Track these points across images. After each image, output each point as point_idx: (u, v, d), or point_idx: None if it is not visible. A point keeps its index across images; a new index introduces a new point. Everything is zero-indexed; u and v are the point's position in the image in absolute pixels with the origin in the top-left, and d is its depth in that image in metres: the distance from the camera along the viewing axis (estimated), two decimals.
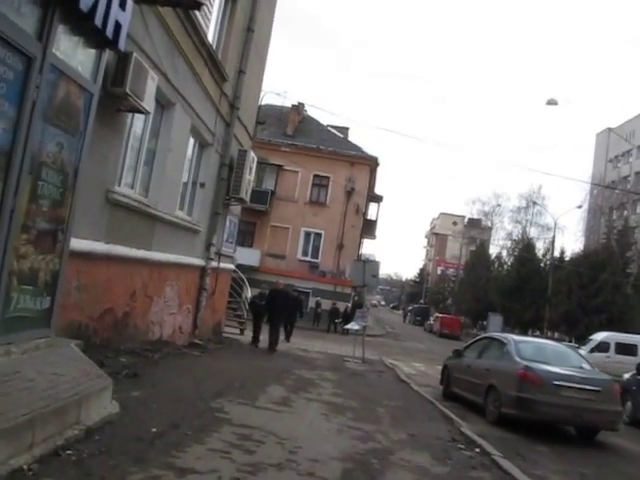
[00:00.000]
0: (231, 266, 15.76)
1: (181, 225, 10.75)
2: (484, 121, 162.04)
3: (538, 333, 46.37)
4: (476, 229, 73.25)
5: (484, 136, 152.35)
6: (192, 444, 4.26)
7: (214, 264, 13.22)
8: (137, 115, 8.01)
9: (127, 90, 6.45)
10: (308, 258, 34.30)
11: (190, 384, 6.80)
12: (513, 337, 9.73)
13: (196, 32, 9.63)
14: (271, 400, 6.87)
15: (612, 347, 25.01)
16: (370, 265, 14.66)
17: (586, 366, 8.96)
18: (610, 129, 69.58)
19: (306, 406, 7.00)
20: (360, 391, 9.20)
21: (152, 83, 7.27)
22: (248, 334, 17.57)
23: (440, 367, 17.84)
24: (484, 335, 11.07)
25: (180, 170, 10.35)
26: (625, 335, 25.79)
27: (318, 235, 34.38)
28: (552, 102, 17.67)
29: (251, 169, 14.08)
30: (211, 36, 11.23)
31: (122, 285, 8.30)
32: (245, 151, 13.70)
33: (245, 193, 13.74)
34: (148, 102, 7.17)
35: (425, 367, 17.66)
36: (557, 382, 8.11)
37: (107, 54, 5.46)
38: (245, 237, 34.39)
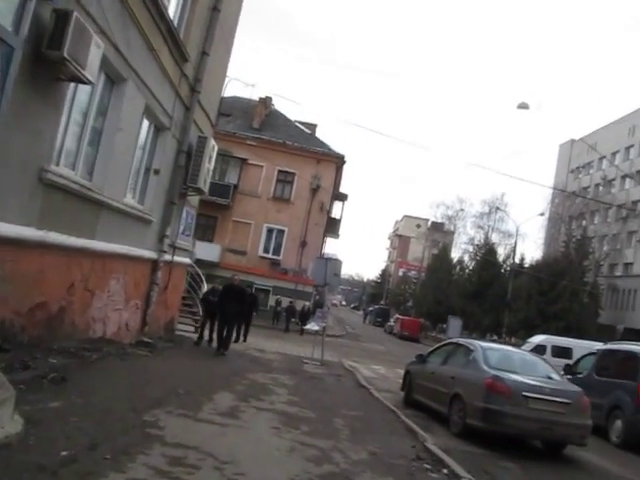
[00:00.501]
0: (187, 260, 14.93)
1: (131, 213, 9.91)
2: (454, 121, 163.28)
3: (496, 338, 46.77)
4: (439, 232, 73.95)
5: (452, 137, 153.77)
6: (108, 473, 3.49)
7: (167, 257, 12.39)
8: (81, 88, 7.21)
9: (65, 54, 5.64)
10: (270, 255, 33.54)
11: (125, 391, 6.02)
12: (480, 344, 9.20)
13: (154, 3, 8.83)
14: (217, 410, 6.13)
15: (548, 350, 25.88)
16: (332, 264, 14.05)
17: (555, 376, 8.47)
18: (573, 140, 71.11)
19: (256, 417, 6.30)
20: (317, 398, 8.56)
21: (97, 51, 6.46)
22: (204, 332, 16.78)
23: (401, 371, 17.52)
24: (449, 340, 10.57)
25: (131, 153, 9.51)
26: (561, 339, 26.82)
27: (281, 232, 33.64)
28: (523, 106, 17.43)
29: (211, 158, 13.29)
30: (172, 11, 10.42)
31: (58, 277, 7.45)
32: (205, 138, 12.90)
33: (204, 183, 12.95)
34: (91, 71, 6.36)
35: (385, 370, 17.19)
36: (526, 393, 7.59)
37: (35, 4, 4.66)
38: (205, 231, 33.44)
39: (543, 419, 7.51)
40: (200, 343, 13.63)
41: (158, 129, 11.03)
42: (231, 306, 12.44)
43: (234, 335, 14.44)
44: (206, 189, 13.45)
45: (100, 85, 8.11)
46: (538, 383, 7.93)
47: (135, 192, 10.51)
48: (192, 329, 16.63)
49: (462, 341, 9.87)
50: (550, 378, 8.32)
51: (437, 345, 10.70)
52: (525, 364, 8.60)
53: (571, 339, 27.98)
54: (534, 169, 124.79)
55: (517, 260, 44.84)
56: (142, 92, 9.25)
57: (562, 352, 25.13)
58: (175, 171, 12.09)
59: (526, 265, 45.04)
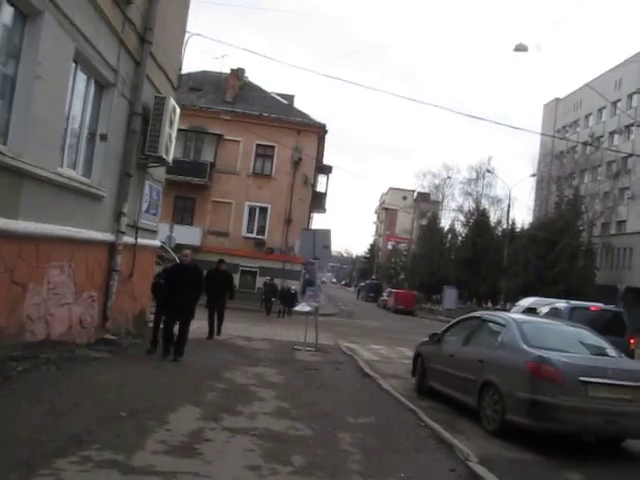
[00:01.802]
0: (155, 242, 13.17)
1: (72, 187, 8.11)
2: (442, 73, 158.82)
3: (490, 305, 45.65)
4: (426, 203, 72.54)
5: (440, 92, 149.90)
6: None
7: (128, 239, 10.62)
8: None
9: None
10: (254, 235, 31.75)
11: (35, 422, 4.30)
12: (512, 316, 7.48)
13: None
14: (167, 444, 4.28)
15: (541, 312, 24.63)
16: (321, 234, 12.33)
17: (612, 352, 6.78)
18: (558, 99, 69.63)
19: (226, 450, 4.42)
20: (314, 400, 6.77)
21: None
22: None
23: (404, 349, 16.02)
24: (470, 314, 8.90)
25: (61, 111, 7.67)
26: (553, 300, 25.62)
27: (264, 210, 31.80)
28: (521, 48, 15.72)
29: (172, 122, 11.44)
30: None
31: None
32: (163, 98, 11.03)
33: (165, 151, 11.13)
34: None
35: (386, 349, 15.64)
36: (584, 378, 5.90)
37: None
38: (184, 214, 31.63)
39: (608, 410, 5.84)
40: (154, 350, 9.59)
41: (101, 85, 9.17)
42: (182, 294, 9.30)
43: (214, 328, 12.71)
44: (169, 158, 11.63)
45: (7, 17, 6.28)
46: (596, 363, 6.30)
47: (77, 162, 8.68)
48: None
49: (487, 315, 8.11)
50: (607, 355, 6.68)
51: (453, 321, 8.99)
52: (572, 339, 6.86)
53: (561, 300, 26.98)
54: (518, 131, 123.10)
55: (510, 224, 43.60)
56: (69, 32, 7.38)
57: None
58: (129, 137, 10.26)
59: (518, 229, 43.78)
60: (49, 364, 6.36)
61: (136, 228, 11.26)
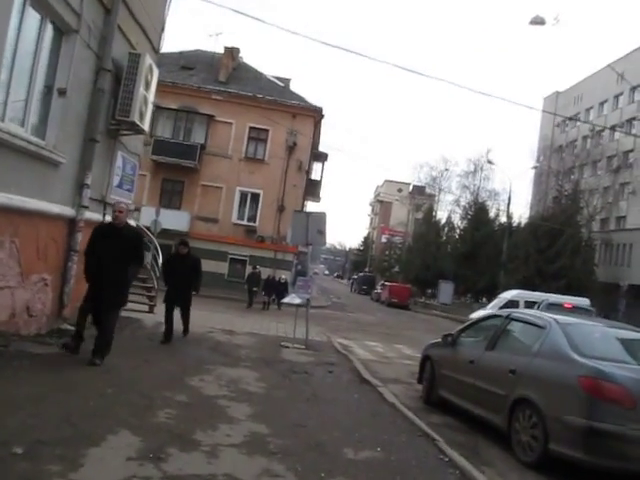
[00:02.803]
0: (130, 222, 11.72)
1: (15, 146, 6.70)
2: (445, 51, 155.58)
3: (486, 301, 44.46)
4: (421, 196, 71.34)
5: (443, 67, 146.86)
6: None
7: (93, 216, 9.21)
8: None
9: None
10: (244, 222, 30.28)
11: None
12: (553, 317, 5.91)
13: None
14: None
15: (521, 306, 24.13)
16: (315, 218, 10.91)
17: None
18: (558, 92, 68.46)
19: None
20: (301, 419, 5.28)
21: None
22: (160, 311, 13.72)
23: (401, 347, 14.73)
24: (496, 312, 7.55)
25: None
26: (535, 293, 24.99)
27: (255, 196, 30.32)
28: (538, 21, 14.38)
29: (149, 83, 10.01)
30: None
31: None
32: (138, 55, 9.59)
33: (139, 116, 9.70)
34: None
35: (383, 347, 14.34)
36: None
37: None
38: (172, 198, 30.18)
39: None
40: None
41: (60, 31, 7.73)
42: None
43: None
44: (145, 126, 10.20)
45: None
46: None
47: (26, 119, 7.26)
48: (146, 308, 13.57)
49: (518, 313, 6.60)
50: None
51: (473, 319, 7.57)
52: (631, 345, 5.52)
53: (545, 294, 26.32)
54: (517, 125, 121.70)
55: (507, 219, 42.41)
56: None
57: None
58: (95, 97, 8.83)
59: (515, 223, 42.57)
60: None
61: (104, 204, 9.86)
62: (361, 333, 17.96)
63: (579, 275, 33.58)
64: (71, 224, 8.58)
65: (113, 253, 6.58)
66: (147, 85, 9.95)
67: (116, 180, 10.56)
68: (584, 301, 25.37)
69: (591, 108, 59.91)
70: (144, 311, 13.30)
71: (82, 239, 8.76)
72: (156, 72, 10.48)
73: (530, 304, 24.13)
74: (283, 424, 4.92)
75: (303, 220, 10.88)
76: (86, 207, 8.77)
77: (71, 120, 8.24)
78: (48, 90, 7.76)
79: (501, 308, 24.29)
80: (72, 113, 8.23)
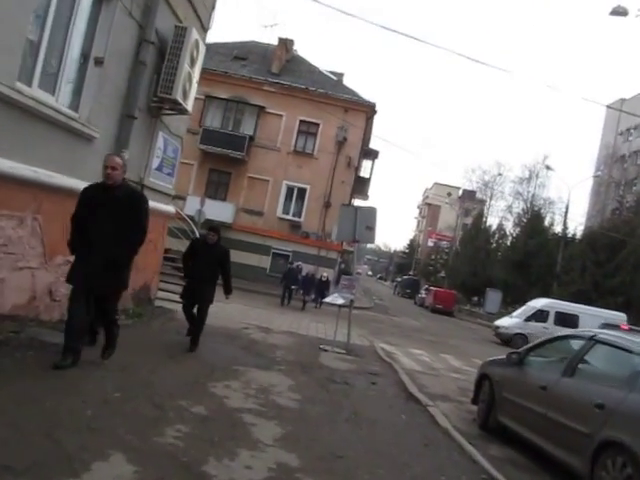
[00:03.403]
0: (168, 208, 11.19)
1: (44, 116, 6.14)
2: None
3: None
4: (471, 201, 69.43)
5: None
6: None
7: None
8: None
9: None
10: (289, 216, 29.64)
11: None
12: None
13: None
14: None
15: (551, 316, 23.42)
16: (364, 213, 10.05)
17: None
18: (623, 100, 65.45)
19: None
20: (339, 447, 4.35)
21: None
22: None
23: (449, 357, 13.69)
24: (575, 332, 6.56)
25: (26, 7, 5.66)
26: (567, 304, 23.58)
27: (302, 190, 29.64)
28: (619, 12, 13.11)
29: (194, 60, 9.38)
30: None
31: None
32: (184, 29, 8.97)
33: (182, 94, 9.10)
34: None
35: (429, 356, 13.37)
36: None
37: None
38: (218, 189, 29.83)
39: None
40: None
41: None
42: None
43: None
44: (189, 105, 9.58)
45: None
46: None
47: (58, 87, 6.71)
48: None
49: (605, 335, 5.41)
50: None
51: (545, 338, 6.45)
52: None
53: (578, 305, 25.11)
54: (577, 131, 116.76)
55: (560, 228, 40.47)
56: None
57: (567, 320, 22.77)
58: (136, 70, 8.25)
59: (570, 234, 40.48)
60: None
61: (141, 186, 9.29)
62: (405, 339, 17.01)
63: (639, 292, 31.47)
64: None
65: (104, 222, 5.08)
66: (192, 62, 9.33)
67: (156, 162, 10.00)
68: (621, 316, 23.90)
69: None
70: (179, 301, 12.77)
71: None
72: (203, 49, 9.85)
73: (561, 315, 22.89)
74: (317, 453, 4.07)
75: (351, 215, 10.06)
76: None
77: (108, 93, 7.68)
78: (84, 59, 7.21)
79: (529, 317, 23.03)
80: (109, 85, 7.67)
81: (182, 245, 14.55)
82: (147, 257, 10.33)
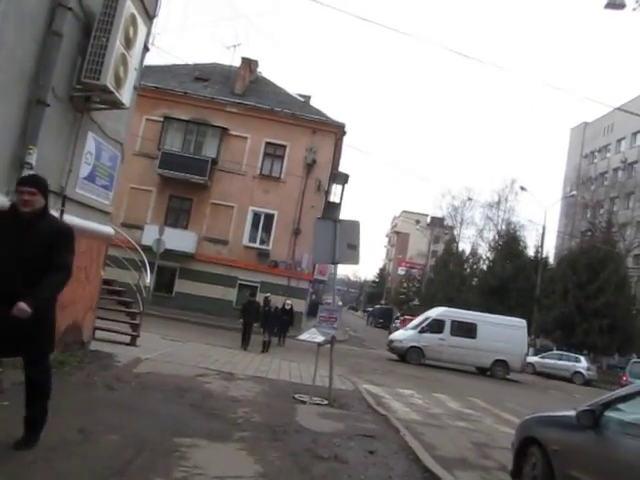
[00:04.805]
0: (105, 229, 9.13)
1: None
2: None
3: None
4: (440, 228, 68.96)
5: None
6: None
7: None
8: None
9: None
10: (256, 245, 27.60)
11: None
12: None
13: None
14: None
15: (447, 326, 21.78)
16: (346, 227, 8.07)
17: None
18: (586, 123, 66.28)
19: None
20: None
21: None
22: (144, 342, 11.05)
23: (442, 397, 11.67)
24: None
25: None
26: (464, 312, 22.16)
27: (270, 216, 27.71)
28: (615, 4, 11.83)
29: (130, 39, 7.50)
30: None
31: None
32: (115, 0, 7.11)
33: (114, 80, 7.17)
34: None
35: (422, 397, 11.46)
36: None
37: None
38: (179, 217, 27.75)
39: None
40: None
41: None
42: None
43: None
44: (124, 97, 7.64)
45: None
46: None
47: None
48: (127, 339, 10.90)
49: None
50: None
51: (634, 388, 4.56)
52: None
53: (475, 313, 23.96)
54: (542, 155, 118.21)
55: (532, 253, 39.52)
56: None
57: (464, 330, 21.68)
58: (48, 42, 6.32)
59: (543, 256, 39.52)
60: None
61: (63, 198, 7.28)
62: (389, 376, 15.08)
63: (623, 313, 30.36)
64: None
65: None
66: (128, 42, 7.45)
67: (85, 170, 8.00)
68: (521, 322, 22.80)
69: (623, 139, 57.62)
70: (123, 342, 10.64)
71: None
72: (143, 30, 7.99)
73: (458, 325, 21.59)
74: None
75: (329, 230, 8.17)
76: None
77: (4, 67, 5.72)
78: None
79: (424, 329, 21.23)
80: (6, 57, 5.72)
81: (131, 277, 12.46)
82: (76, 289, 8.25)
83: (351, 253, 8.19)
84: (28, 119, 6.18)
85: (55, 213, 6.95)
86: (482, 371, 21.93)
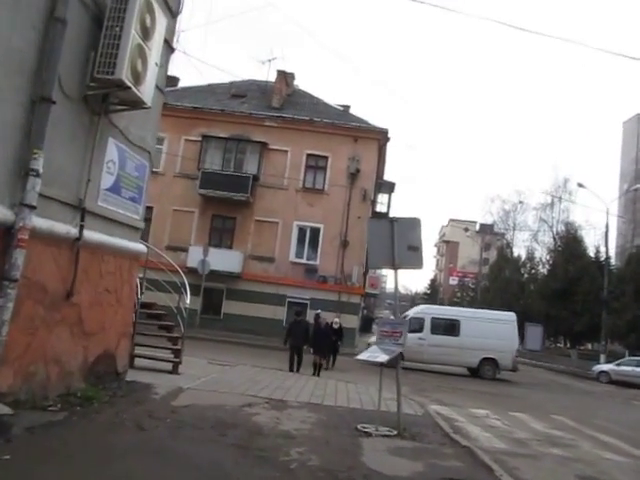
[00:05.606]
0: (135, 246, 8.27)
1: None
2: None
3: (590, 347, 38.72)
4: (490, 234, 66.67)
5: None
6: None
7: (49, 225, 5.80)
8: None
9: None
10: (303, 260, 26.61)
11: None
12: None
13: None
14: None
15: (427, 324, 20.27)
16: (403, 226, 6.89)
17: None
18: None
19: None
20: None
21: None
22: (189, 368, 10.14)
23: (522, 416, 10.14)
24: None
25: None
26: (446, 308, 20.08)
27: (315, 230, 26.72)
28: None
29: (147, 30, 6.65)
30: None
31: None
32: None
33: (131, 74, 6.32)
34: None
35: (499, 418, 10.10)
36: None
37: None
38: (222, 236, 27.08)
39: None
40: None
41: None
42: None
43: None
44: (144, 94, 6.79)
45: None
46: None
47: None
48: (169, 366, 10.01)
49: None
50: None
51: None
52: None
53: (459, 308, 22.72)
54: (591, 153, 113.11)
55: (593, 253, 37.12)
56: None
57: (446, 327, 20.22)
58: (51, 30, 5.51)
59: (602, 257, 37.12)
60: None
61: (82, 211, 6.42)
62: (455, 393, 13.72)
63: None
64: (5, 235, 5.14)
65: None
66: (146, 32, 6.61)
67: (108, 180, 7.17)
68: (510, 315, 21.36)
69: None
70: (165, 370, 9.74)
71: (27, 261, 5.29)
72: (162, 22, 7.14)
73: (439, 322, 20.21)
74: None
75: (385, 231, 7.02)
76: (33, 207, 5.31)
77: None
78: None
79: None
80: (3, 53, 4.92)
81: (172, 300, 11.58)
82: (105, 314, 7.41)
83: (413, 256, 7.02)
84: (32, 119, 5.36)
85: (65, 227, 6.13)
86: (473, 372, 20.26)
